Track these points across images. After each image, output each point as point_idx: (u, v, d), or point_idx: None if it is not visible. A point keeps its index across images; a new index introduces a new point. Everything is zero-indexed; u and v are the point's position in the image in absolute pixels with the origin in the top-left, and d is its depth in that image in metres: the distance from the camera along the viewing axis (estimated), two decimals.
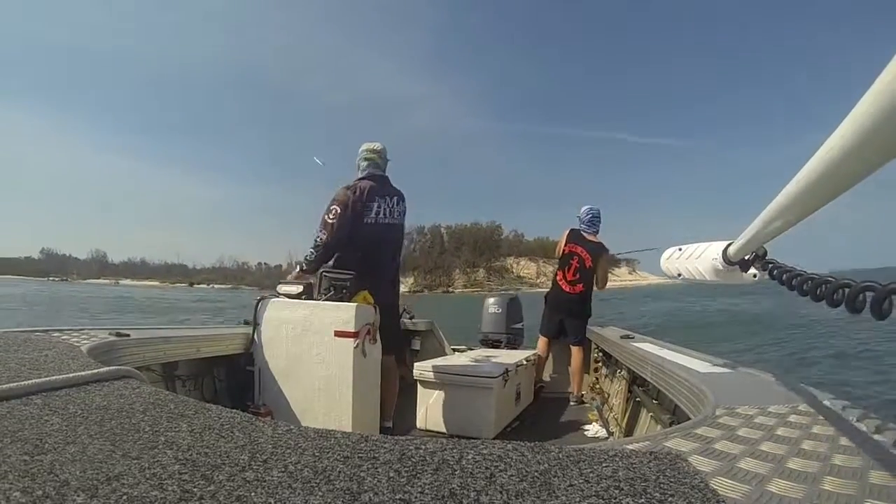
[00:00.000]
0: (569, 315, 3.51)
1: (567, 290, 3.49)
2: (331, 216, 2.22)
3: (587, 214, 3.60)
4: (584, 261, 3.46)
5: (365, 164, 2.40)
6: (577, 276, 3.47)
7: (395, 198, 2.37)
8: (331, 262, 2.28)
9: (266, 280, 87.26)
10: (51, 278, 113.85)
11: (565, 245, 3.53)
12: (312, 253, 2.25)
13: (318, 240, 2.24)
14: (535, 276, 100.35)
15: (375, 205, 2.27)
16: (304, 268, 2.25)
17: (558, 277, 3.54)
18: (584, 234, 3.53)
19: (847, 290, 0.67)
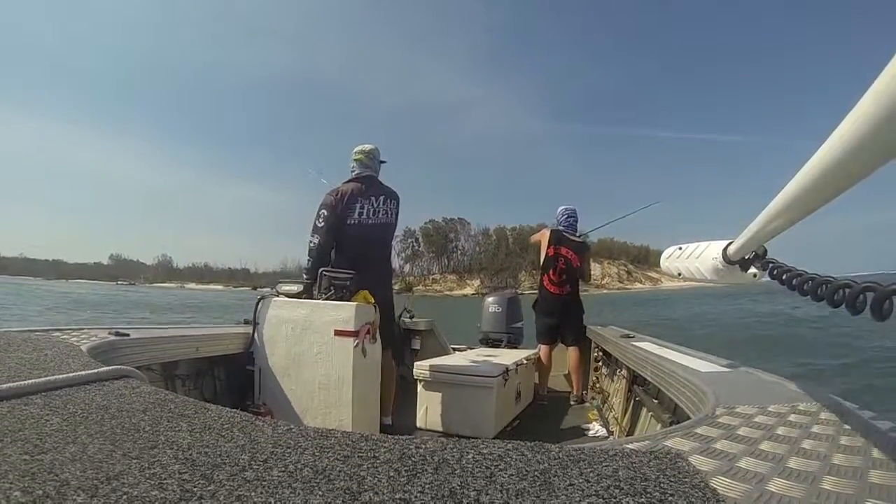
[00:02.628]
0: (562, 316, 3.51)
1: (555, 291, 3.49)
2: (319, 221, 2.32)
3: (563, 215, 3.62)
4: (571, 261, 3.46)
5: (353, 164, 2.48)
6: (563, 276, 3.47)
7: (382, 197, 2.42)
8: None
9: None
10: (119, 282, 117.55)
11: (549, 247, 3.53)
12: (309, 260, 2.32)
13: (311, 244, 2.32)
14: (601, 276, 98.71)
15: (358, 206, 2.34)
16: (306, 276, 2.29)
17: (544, 281, 3.54)
18: (566, 234, 3.53)
19: (847, 290, 0.67)
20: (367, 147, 2.50)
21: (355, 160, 2.47)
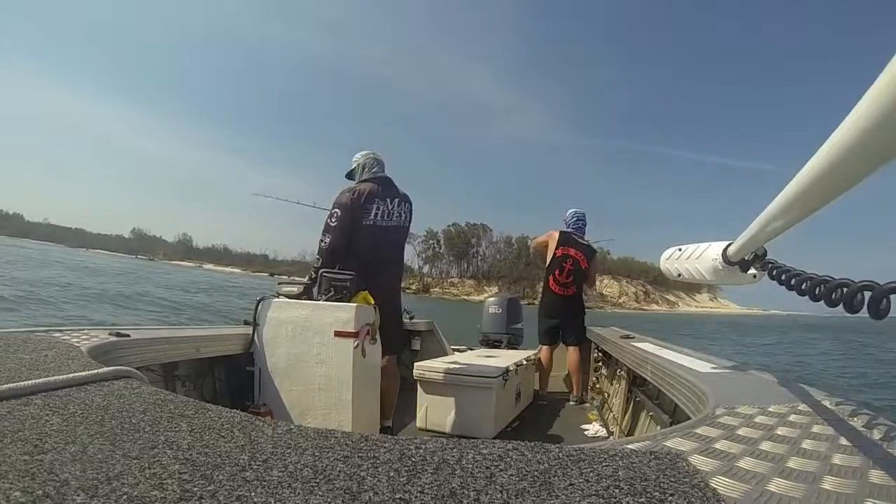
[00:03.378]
0: (565, 317, 3.51)
1: (560, 292, 3.50)
2: (333, 220, 2.25)
3: (573, 217, 3.63)
4: (579, 262, 3.47)
5: (371, 162, 2.43)
6: (570, 278, 3.48)
7: (398, 199, 2.38)
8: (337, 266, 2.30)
9: None
10: (138, 256, 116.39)
11: (558, 248, 3.53)
12: (318, 259, 2.26)
13: (323, 244, 2.26)
14: (618, 295, 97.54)
15: (374, 207, 2.28)
16: (314, 276, 2.23)
17: (550, 281, 3.55)
18: (575, 237, 3.54)
19: (845, 289, 0.68)
20: (375, 153, 2.47)
21: (374, 159, 2.43)
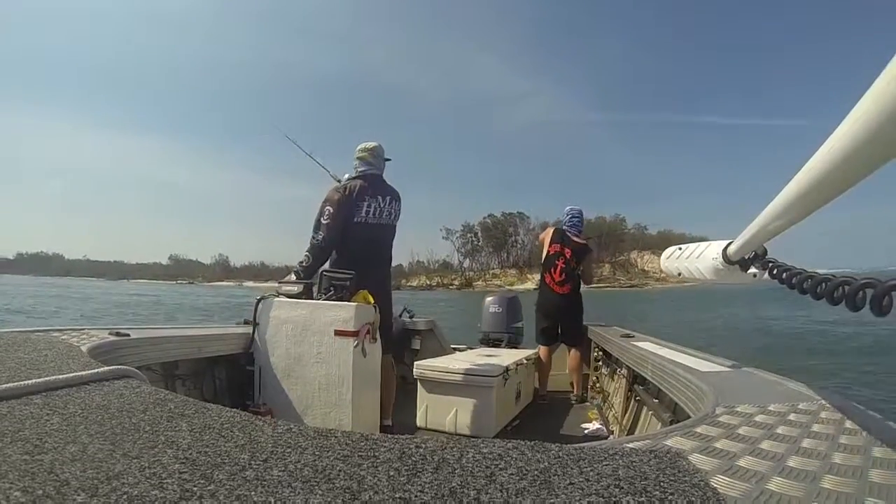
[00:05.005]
0: (562, 315, 3.51)
1: (556, 290, 3.50)
2: (324, 217, 2.23)
3: (567, 215, 3.63)
4: (570, 261, 3.47)
5: (357, 162, 2.40)
6: (564, 275, 3.48)
7: (388, 197, 2.37)
8: (326, 264, 2.28)
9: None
10: (178, 281, 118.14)
11: (549, 245, 3.54)
12: (308, 257, 2.24)
13: (314, 241, 2.24)
14: (660, 269, 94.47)
15: (366, 204, 2.28)
16: (301, 275, 2.22)
17: (546, 280, 3.55)
18: (569, 234, 3.55)
19: (847, 287, 0.68)
20: (371, 144, 2.41)
21: (359, 158, 2.39)
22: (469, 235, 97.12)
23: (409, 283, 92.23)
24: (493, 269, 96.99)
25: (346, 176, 2.44)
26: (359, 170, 2.39)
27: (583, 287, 3.59)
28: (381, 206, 2.33)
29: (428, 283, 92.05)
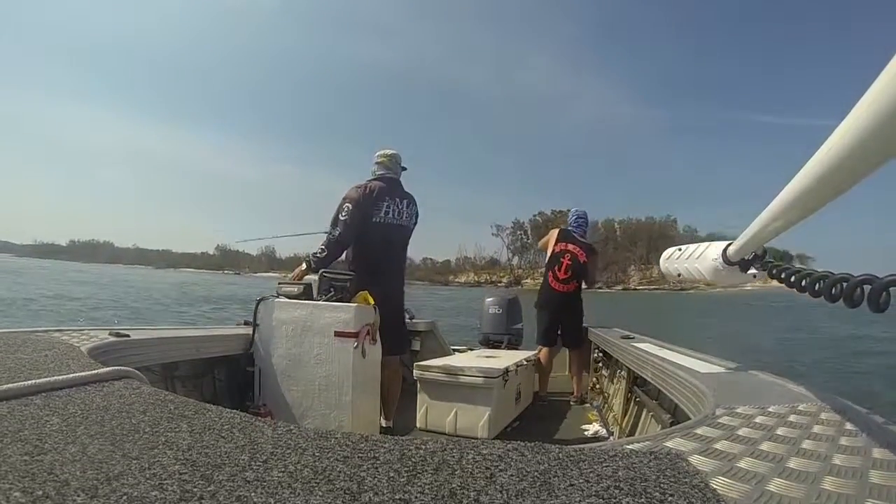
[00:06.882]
0: (564, 314, 3.52)
1: (559, 288, 3.51)
2: (343, 214, 2.27)
3: (573, 216, 3.70)
4: (577, 257, 3.49)
5: (376, 167, 2.47)
6: (569, 273, 3.49)
7: (406, 200, 2.42)
8: (342, 260, 2.32)
9: (435, 276, 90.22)
10: (225, 271, 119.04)
11: (557, 244, 3.56)
12: (323, 250, 2.27)
13: (332, 236, 2.27)
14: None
15: (385, 204, 2.32)
16: (313, 265, 2.24)
17: (549, 278, 3.57)
18: (574, 234, 3.59)
19: (845, 284, 0.68)
20: (390, 151, 2.50)
21: (378, 162, 2.47)
22: (519, 233, 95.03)
23: (456, 280, 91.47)
24: (541, 267, 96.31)
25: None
26: (377, 173, 2.44)
27: (583, 287, 3.60)
28: (400, 207, 2.38)
29: (476, 279, 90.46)
